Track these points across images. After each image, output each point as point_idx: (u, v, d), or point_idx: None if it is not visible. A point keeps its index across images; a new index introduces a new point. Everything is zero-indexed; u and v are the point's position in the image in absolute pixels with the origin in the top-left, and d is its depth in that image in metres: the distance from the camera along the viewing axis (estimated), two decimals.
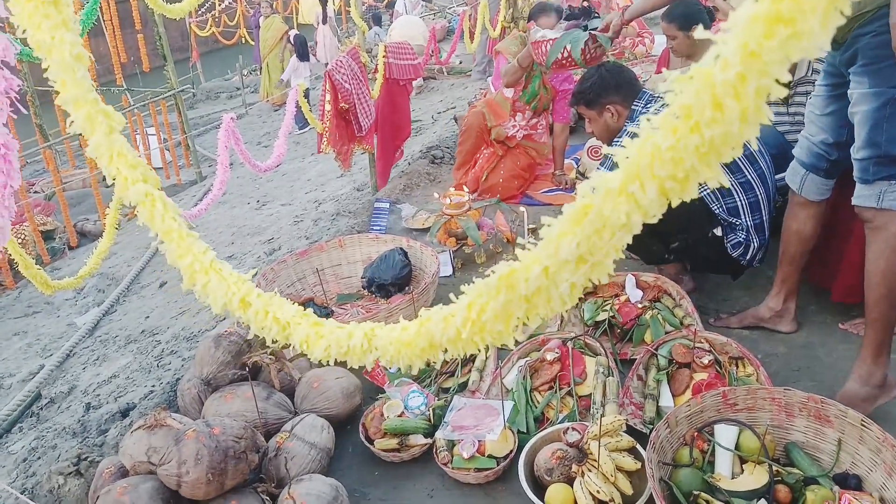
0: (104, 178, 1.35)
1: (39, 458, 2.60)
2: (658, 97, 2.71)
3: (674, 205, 0.79)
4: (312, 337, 1.23)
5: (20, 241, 4.97)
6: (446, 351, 1.12)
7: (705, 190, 2.57)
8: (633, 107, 2.71)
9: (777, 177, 3.05)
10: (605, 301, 2.72)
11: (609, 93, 2.73)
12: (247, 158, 3.82)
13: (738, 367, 2.30)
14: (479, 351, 1.08)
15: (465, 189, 3.70)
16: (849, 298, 2.56)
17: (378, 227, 4.04)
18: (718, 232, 2.65)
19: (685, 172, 0.73)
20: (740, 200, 2.59)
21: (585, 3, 6.30)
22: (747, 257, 2.65)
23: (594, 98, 2.76)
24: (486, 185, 4.18)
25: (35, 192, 7.05)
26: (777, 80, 0.65)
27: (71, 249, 6.05)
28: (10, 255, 2.68)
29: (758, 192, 2.59)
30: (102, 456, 2.33)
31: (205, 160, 8.15)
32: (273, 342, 1.28)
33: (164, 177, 7.64)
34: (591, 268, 0.92)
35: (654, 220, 0.80)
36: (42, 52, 1.24)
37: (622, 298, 2.72)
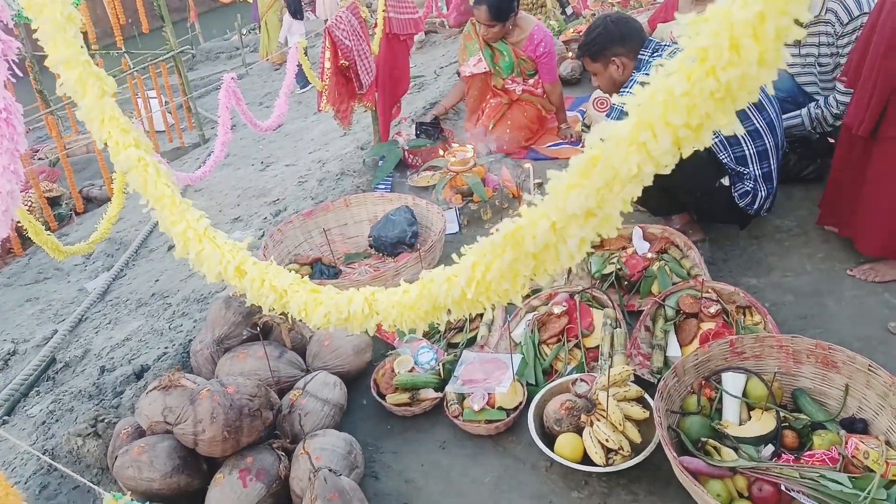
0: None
1: (57, 420, 2.65)
2: (665, 45, 2.65)
3: (685, 154, 0.78)
4: (311, 304, 1.21)
5: (27, 207, 4.98)
6: (450, 312, 1.11)
7: (715, 137, 2.54)
8: (639, 56, 2.66)
9: (785, 117, 3.01)
10: (613, 254, 2.72)
11: (614, 44, 2.68)
12: (248, 118, 3.79)
13: (745, 315, 2.30)
14: (485, 310, 1.08)
15: (469, 146, 3.66)
16: (878, 251, 2.52)
17: (384, 186, 4.02)
18: (726, 182, 2.63)
19: (700, 119, 0.71)
20: (748, 149, 2.56)
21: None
22: (755, 207, 2.63)
23: (599, 50, 2.71)
24: (492, 134, 4.15)
25: (39, 158, 7.04)
26: (796, 21, 0.63)
27: (77, 215, 6.06)
28: (18, 222, 2.69)
29: (766, 141, 2.56)
30: (119, 417, 2.38)
31: (207, 122, 8.09)
32: (270, 310, 1.27)
33: (167, 140, 7.60)
34: (600, 221, 0.90)
35: (667, 171, 0.78)
36: (33, 13, 1.22)
37: (629, 251, 2.71)
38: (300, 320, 2.53)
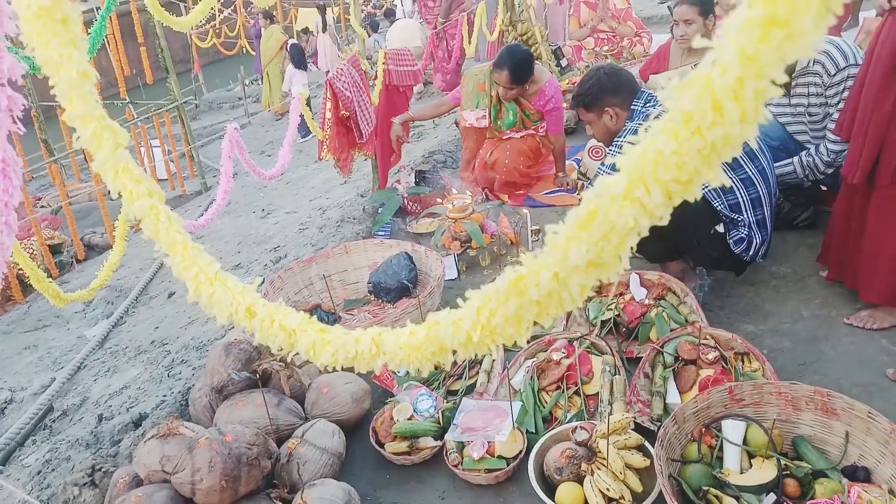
0: (110, 192, 1.38)
1: (54, 469, 2.62)
2: (656, 96, 2.73)
3: (676, 205, 0.82)
4: (318, 343, 1.24)
5: (29, 255, 5.02)
6: (455, 353, 1.14)
7: (707, 187, 2.60)
8: (632, 106, 2.73)
9: (777, 165, 3.07)
10: (610, 300, 2.74)
11: (608, 95, 2.76)
12: (251, 166, 3.85)
13: (743, 362, 2.31)
14: (490, 352, 1.10)
15: (468, 192, 3.72)
16: (885, 300, 2.52)
17: (383, 232, 4.06)
18: (721, 228, 2.67)
19: (689, 175, 0.76)
20: (742, 196, 2.61)
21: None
22: (750, 253, 2.67)
23: (593, 101, 2.79)
24: (491, 161, 4.14)
25: (42, 206, 7.10)
26: (773, 82, 0.67)
27: (79, 262, 6.09)
28: (20, 269, 2.72)
29: (759, 188, 2.61)
30: (116, 466, 2.36)
31: (209, 170, 8.20)
32: (279, 350, 1.30)
33: (169, 188, 7.69)
34: (600, 270, 0.94)
35: (663, 223, 0.81)
36: (49, 70, 1.27)
37: (627, 297, 2.74)
38: (301, 366, 2.53)
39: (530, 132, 4.23)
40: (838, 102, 2.85)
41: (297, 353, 1.30)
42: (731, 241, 2.66)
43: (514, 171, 4.19)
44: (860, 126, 2.40)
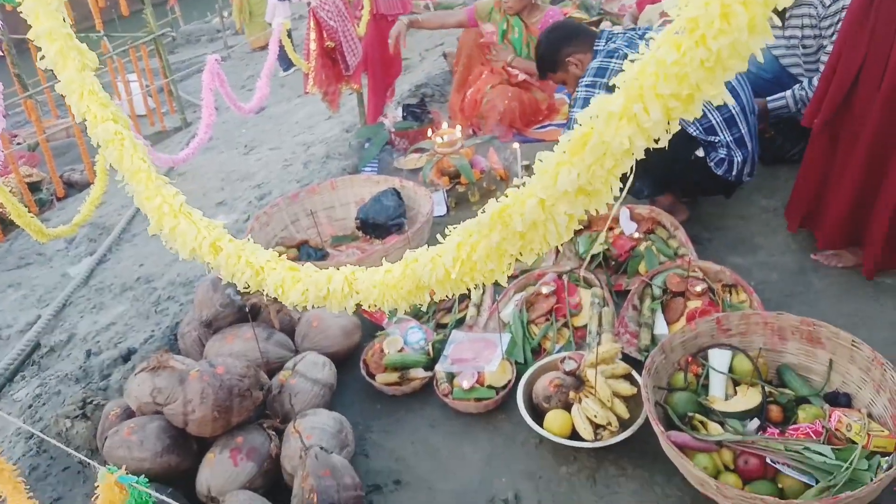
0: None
1: (44, 403, 2.63)
2: (618, 33, 2.70)
3: (674, 127, 0.79)
4: (288, 281, 1.19)
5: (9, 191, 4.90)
6: (433, 293, 1.09)
7: None
8: (595, 48, 2.71)
9: (769, 99, 3.04)
10: (600, 234, 2.74)
11: (563, 47, 2.77)
12: (231, 100, 3.76)
13: (731, 294, 2.33)
14: (468, 291, 1.07)
15: (458, 127, 3.65)
16: (838, 245, 2.54)
17: (370, 168, 4.00)
18: (700, 153, 2.64)
19: (690, 89, 0.73)
20: (714, 118, 2.58)
21: None
22: (733, 173, 2.64)
23: (552, 59, 2.81)
24: (487, 105, 4.01)
25: (18, 143, 6.92)
26: None
27: (59, 200, 5.99)
28: (2, 205, 2.65)
29: (731, 108, 2.58)
30: (107, 399, 2.37)
31: (189, 106, 7.99)
32: (245, 288, 1.25)
33: (149, 124, 7.50)
34: (589, 198, 0.90)
35: (658, 144, 0.79)
36: None
37: (616, 231, 2.73)
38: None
39: (532, 81, 4.09)
40: (832, 34, 2.80)
41: (264, 292, 1.25)
42: (711, 164, 2.63)
43: (506, 119, 4.02)
44: (829, 68, 2.36)
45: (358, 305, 1.17)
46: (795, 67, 3.12)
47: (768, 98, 3.06)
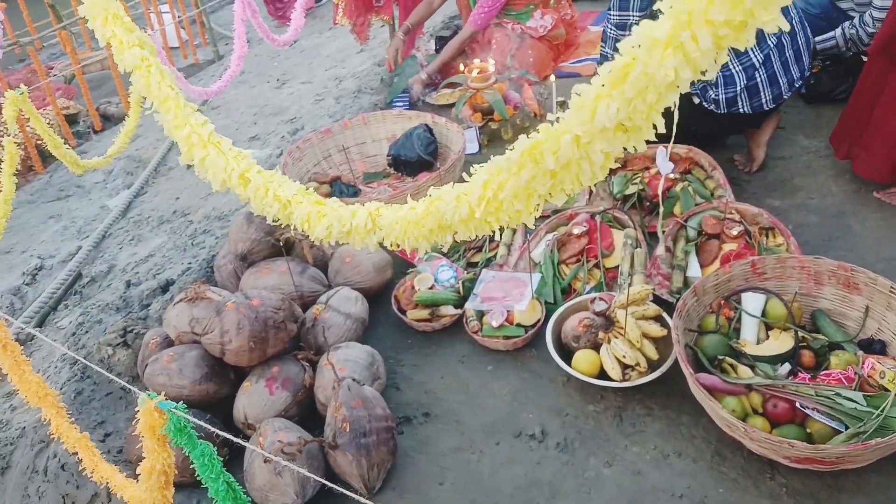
0: None
1: (87, 331, 2.72)
2: None
3: (722, 57, 0.74)
4: (314, 215, 1.19)
5: (46, 123, 4.96)
6: (456, 233, 1.07)
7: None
8: None
9: (818, 39, 2.90)
10: (635, 174, 2.69)
11: None
12: (264, 31, 3.71)
13: (768, 237, 2.29)
14: (493, 233, 1.02)
15: (491, 61, 3.56)
16: (874, 176, 2.48)
17: (401, 102, 3.94)
18: (696, 100, 2.54)
19: (743, 15, 0.68)
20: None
21: None
22: (756, 102, 2.53)
23: None
24: (514, 65, 3.81)
25: (54, 75, 6.96)
26: None
27: (96, 133, 6.05)
28: (39, 139, 2.70)
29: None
30: (147, 328, 2.44)
31: (221, 38, 7.91)
32: (273, 221, 1.26)
33: (182, 56, 7.46)
34: (628, 135, 0.85)
35: (708, 77, 0.74)
36: None
37: (652, 171, 2.68)
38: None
39: (551, 24, 3.89)
40: None
41: (291, 225, 1.25)
42: (705, 103, 2.52)
43: (543, 71, 3.86)
44: None
45: (381, 243, 1.17)
46: (845, 2, 2.98)
47: (816, 38, 2.92)
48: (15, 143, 2.49)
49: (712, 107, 2.54)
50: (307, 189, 1.25)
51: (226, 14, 8.67)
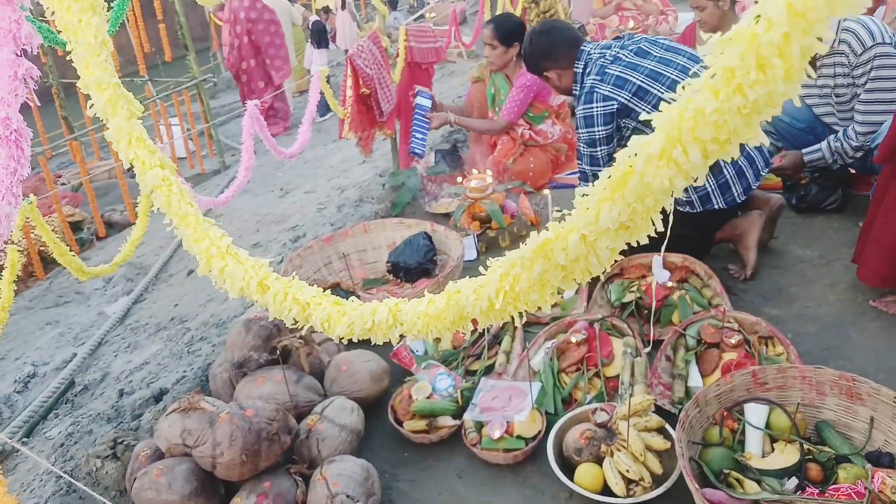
0: (129, 169, 1.38)
1: (76, 442, 2.65)
2: (597, 56, 2.70)
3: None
4: (334, 315, 1.24)
5: (51, 229, 5.04)
6: (476, 322, 1.13)
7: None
8: (574, 70, 2.76)
9: (805, 151, 3.02)
10: (632, 282, 2.71)
11: (540, 60, 2.85)
12: (271, 144, 3.85)
13: (767, 346, 2.28)
14: (512, 319, 1.09)
15: (489, 172, 3.68)
16: (877, 282, 2.50)
17: (419, 135, 4.00)
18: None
19: (728, 134, 0.75)
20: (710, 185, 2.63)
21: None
22: (715, 202, 2.64)
23: (533, 64, 2.91)
24: (514, 169, 3.99)
25: (62, 183, 7.15)
26: (819, 38, 0.65)
27: (99, 240, 6.14)
28: (42, 245, 2.75)
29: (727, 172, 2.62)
30: (138, 440, 2.38)
31: (227, 149, 8.20)
32: (294, 323, 1.30)
33: (188, 166, 7.70)
34: (630, 232, 0.94)
35: (698, 183, 0.82)
36: (68, 35, 1.26)
37: (649, 279, 2.70)
38: (320, 344, 2.53)
39: (533, 135, 4.09)
40: (865, 83, 2.79)
41: (311, 326, 1.30)
42: (679, 206, 2.60)
43: (542, 177, 4.07)
44: None
45: (402, 337, 1.22)
46: (829, 116, 3.11)
47: (804, 150, 3.04)
48: (18, 250, 2.52)
49: (686, 208, 2.63)
50: (324, 292, 1.30)
51: (232, 126, 9.01)
